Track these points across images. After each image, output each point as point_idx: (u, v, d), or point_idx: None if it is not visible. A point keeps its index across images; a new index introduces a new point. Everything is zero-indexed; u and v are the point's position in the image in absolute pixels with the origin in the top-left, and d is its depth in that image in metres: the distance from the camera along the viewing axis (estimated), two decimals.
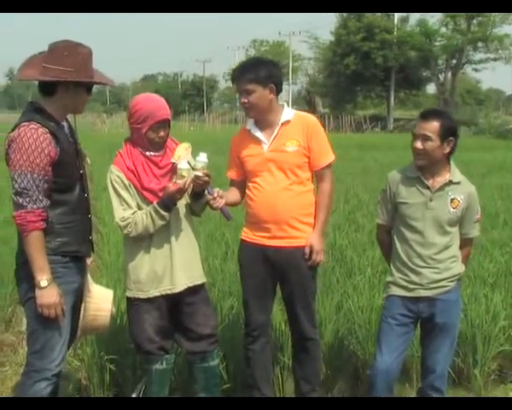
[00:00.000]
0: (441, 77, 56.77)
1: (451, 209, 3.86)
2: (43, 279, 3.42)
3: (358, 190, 12.72)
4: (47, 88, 3.55)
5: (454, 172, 3.91)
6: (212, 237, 8.09)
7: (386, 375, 3.99)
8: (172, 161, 3.92)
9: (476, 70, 58.06)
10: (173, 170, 3.93)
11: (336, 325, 5.15)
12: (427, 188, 3.87)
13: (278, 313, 5.01)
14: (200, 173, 3.86)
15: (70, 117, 3.79)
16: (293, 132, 4.13)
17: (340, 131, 52.78)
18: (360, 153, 24.52)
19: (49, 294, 3.44)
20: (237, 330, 4.90)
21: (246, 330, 4.40)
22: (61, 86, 3.51)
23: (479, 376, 4.85)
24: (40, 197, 3.41)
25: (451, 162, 3.94)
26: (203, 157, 3.90)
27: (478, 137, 38.14)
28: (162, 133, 3.92)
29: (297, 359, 4.42)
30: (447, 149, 3.82)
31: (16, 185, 3.39)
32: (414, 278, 3.92)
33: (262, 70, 4.07)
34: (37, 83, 3.61)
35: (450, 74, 55.74)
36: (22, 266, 3.55)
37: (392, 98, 58.18)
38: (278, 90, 4.16)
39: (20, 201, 3.38)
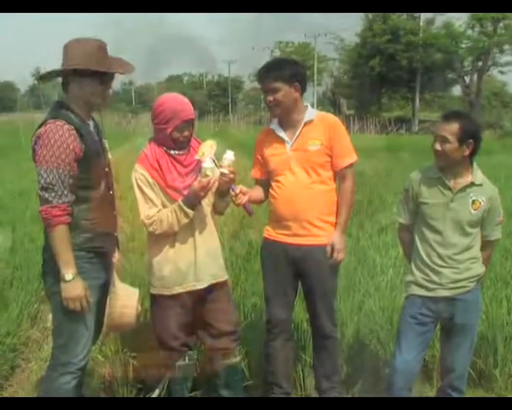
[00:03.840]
0: (467, 79, 56.24)
1: (472, 211, 3.84)
2: (68, 273, 3.48)
3: (382, 192, 12.70)
4: (63, 85, 3.66)
5: (476, 174, 3.88)
6: (236, 237, 8.14)
7: (405, 374, 4.00)
8: (196, 157, 3.94)
9: (502, 72, 57.41)
10: (197, 168, 3.95)
11: (357, 324, 5.18)
12: (449, 189, 3.85)
13: (301, 312, 5.04)
14: (226, 171, 3.90)
15: (96, 116, 3.85)
16: (316, 132, 4.16)
17: (364, 132, 52.51)
18: (384, 154, 24.35)
19: (73, 287, 3.51)
20: (260, 328, 4.93)
21: (267, 326, 4.44)
22: (71, 80, 3.61)
23: (499, 377, 4.83)
24: (65, 192, 3.47)
25: (474, 164, 3.91)
26: (230, 155, 3.93)
27: (503, 140, 37.69)
28: (187, 133, 3.96)
29: (317, 356, 4.45)
30: (467, 152, 3.78)
31: (42, 180, 3.45)
32: (434, 277, 3.91)
33: (287, 68, 4.12)
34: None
35: (475, 77, 55.20)
36: (48, 260, 3.62)
37: (417, 100, 57.77)
38: (303, 90, 4.20)
39: (46, 196, 3.45)
